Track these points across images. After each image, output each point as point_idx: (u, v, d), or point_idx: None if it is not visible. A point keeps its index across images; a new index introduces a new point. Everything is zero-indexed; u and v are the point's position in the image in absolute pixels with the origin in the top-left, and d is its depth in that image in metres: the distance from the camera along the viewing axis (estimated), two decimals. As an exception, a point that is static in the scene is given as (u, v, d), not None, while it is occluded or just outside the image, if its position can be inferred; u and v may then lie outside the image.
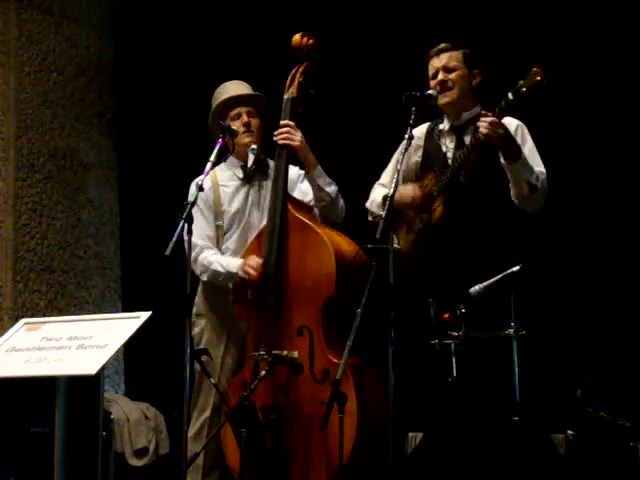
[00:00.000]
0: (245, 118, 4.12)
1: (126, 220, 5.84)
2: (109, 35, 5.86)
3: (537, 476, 3.26)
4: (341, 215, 4.04)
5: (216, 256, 4.06)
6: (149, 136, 5.65)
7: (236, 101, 4.16)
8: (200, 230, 3.98)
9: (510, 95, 3.50)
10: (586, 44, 4.47)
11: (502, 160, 3.63)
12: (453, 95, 3.79)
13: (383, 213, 3.32)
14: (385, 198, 3.42)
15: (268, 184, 4.13)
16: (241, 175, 4.18)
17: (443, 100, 3.81)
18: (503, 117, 3.58)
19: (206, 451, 3.84)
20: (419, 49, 4.00)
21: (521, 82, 3.47)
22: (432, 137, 3.90)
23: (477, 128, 3.59)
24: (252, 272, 3.85)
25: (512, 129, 3.69)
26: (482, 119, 3.55)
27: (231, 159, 4.18)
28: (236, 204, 4.14)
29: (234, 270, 3.95)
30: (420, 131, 3.94)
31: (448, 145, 3.85)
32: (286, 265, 3.82)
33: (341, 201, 4.02)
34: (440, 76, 3.79)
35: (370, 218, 4.02)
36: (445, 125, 3.89)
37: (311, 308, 3.73)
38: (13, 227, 5.29)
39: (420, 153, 3.91)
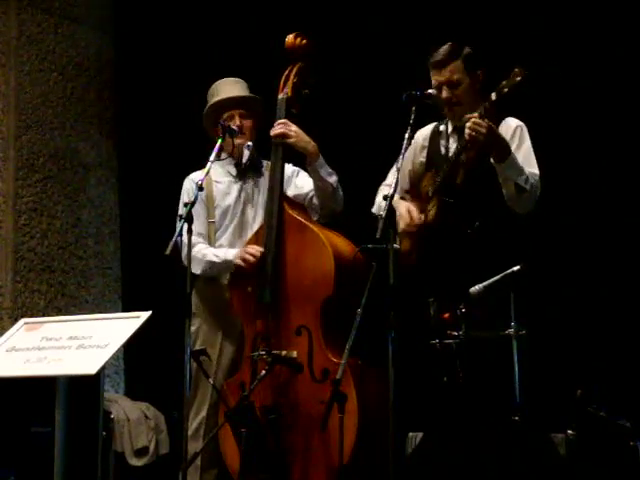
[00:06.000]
0: (237, 120, 4.13)
1: (126, 220, 5.84)
2: (109, 35, 5.85)
3: (537, 476, 3.25)
4: (341, 204, 4.07)
5: (210, 249, 4.08)
6: (149, 136, 5.65)
7: (228, 103, 4.18)
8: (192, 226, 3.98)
9: (493, 95, 3.55)
10: (589, 43, 4.48)
11: (491, 159, 3.64)
12: (460, 109, 3.79)
13: (383, 213, 3.32)
14: (385, 198, 3.41)
15: (262, 182, 4.17)
16: (234, 173, 4.21)
17: (449, 113, 3.81)
18: (488, 117, 3.56)
19: (203, 449, 3.84)
20: (416, 47, 4.00)
21: (503, 82, 3.52)
22: (436, 138, 3.90)
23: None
24: (250, 258, 3.86)
25: (511, 129, 3.70)
26: (466, 120, 3.56)
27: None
28: (228, 200, 4.16)
29: (231, 257, 3.97)
30: (426, 132, 3.95)
31: (451, 146, 3.85)
32: (284, 265, 3.82)
33: (340, 190, 4.04)
34: (445, 93, 3.76)
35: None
36: (449, 126, 3.89)
37: (310, 308, 3.73)
38: (13, 227, 5.29)
39: (425, 154, 3.91)
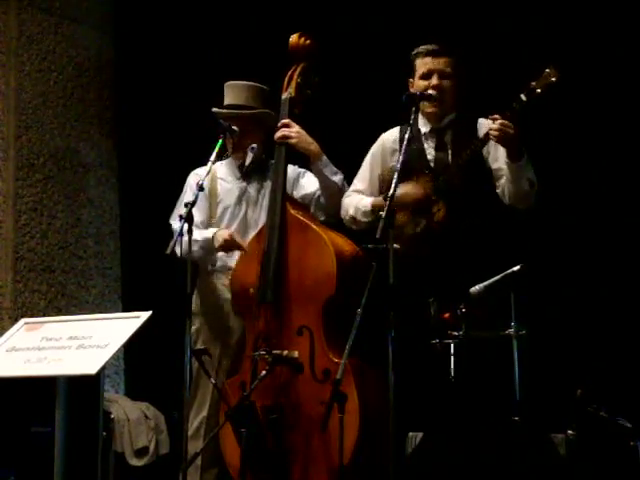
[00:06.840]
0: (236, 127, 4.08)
1: (126, 220, 5.84)
2: (109, 35, 5.85)
3: (537, 476, 3.25)
4: None
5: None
6: (149, 136, 5.65)
7: (232, 114, 4.15)
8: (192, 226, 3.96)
9: (523, 97, 3.52)
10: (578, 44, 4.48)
11: (506, 159, 3.64)
12: (442, 107, 3.81)
13: (383, 213, 3.32)
14: (386, 198, 3.41)
15: (268, 184, 4.15)
16: (238, 174, 4.21)
17: (431, 109, 3.82)
18: (515, 119, 3.56)
19: (204, 449, 3.84)
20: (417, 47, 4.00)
21: (534, 83, 3.50)
22: (408, 140, 3.87)
23: (462, 129, 3.66)
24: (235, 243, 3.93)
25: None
26: (494, 121, 3.55)
27: (230, 157, 4.20)
28: (230, 199, 4.17)
29: (210, 235, 4.00)
30: (392, 136, 3.95)
31: (429, 147, 3.86)
32: (286, 264, 3.82)
33: (346, 189, 4.03)
34: (435, 80, 3.78)
35: (354, 227, 3.98)
36: (425, 128, 3.89)
37: (311, 308, 3.73)
38: (13, 227, 5.28)
39: (396, 157, 3.88)
